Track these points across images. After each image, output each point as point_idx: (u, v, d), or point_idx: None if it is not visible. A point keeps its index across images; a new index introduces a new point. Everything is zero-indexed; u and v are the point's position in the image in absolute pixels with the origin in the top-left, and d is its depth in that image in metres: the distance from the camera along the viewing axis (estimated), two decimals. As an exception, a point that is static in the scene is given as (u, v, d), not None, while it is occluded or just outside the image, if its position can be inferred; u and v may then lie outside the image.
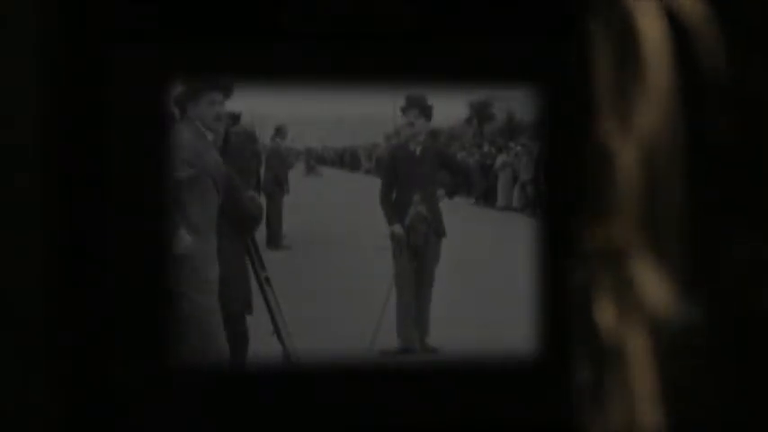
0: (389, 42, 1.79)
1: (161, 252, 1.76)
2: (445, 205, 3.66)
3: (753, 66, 0.61)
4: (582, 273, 0.68)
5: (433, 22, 1.77)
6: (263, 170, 4.88)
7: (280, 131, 5.34)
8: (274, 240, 5.40)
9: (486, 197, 3.82)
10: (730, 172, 0.62)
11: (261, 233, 4.45)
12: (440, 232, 3.50)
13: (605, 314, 0.65)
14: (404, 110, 3.38)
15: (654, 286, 0.62)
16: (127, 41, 1.68)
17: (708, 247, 0.62)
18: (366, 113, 3.38)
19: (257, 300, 3.15)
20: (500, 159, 3.63)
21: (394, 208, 3.48)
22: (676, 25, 0.62)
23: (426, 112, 3.30)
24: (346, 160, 4.86)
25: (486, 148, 3.64)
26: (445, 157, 3.51)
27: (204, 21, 1.71)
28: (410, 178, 3.45)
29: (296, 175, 4.30)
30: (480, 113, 3.25)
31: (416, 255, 3.43)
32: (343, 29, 1.76)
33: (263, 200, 3.85)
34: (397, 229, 3.43)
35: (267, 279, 3.19)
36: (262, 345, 3.14)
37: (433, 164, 3.46)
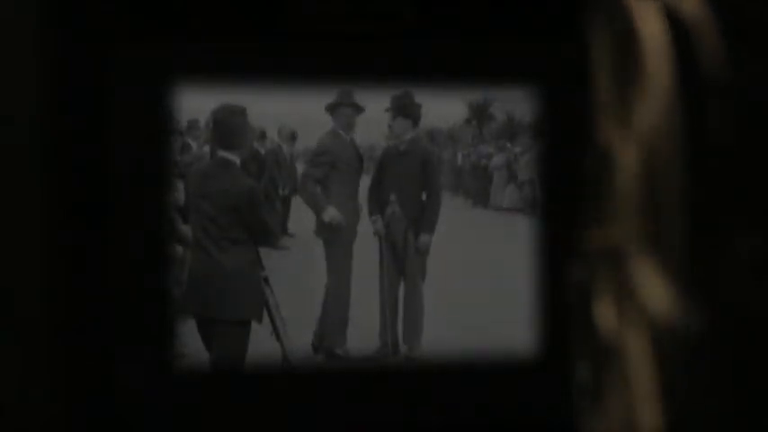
0: (389, 42, 1.79)
1: (161, 252, 1.76)
2: (443, 205, 3.66)
3: (753, 65, 0.62)
4: (582, 273, 0.68)
5: (433, 21, 1.77)
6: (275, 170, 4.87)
7: (280, 132, 5.33)
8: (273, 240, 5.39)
9: (481, 197, 3.82)
10: (730, 172, 0.62)
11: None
12: (419, 234, 3.49)
13: (605, 314, 0.65)
14: (388, 111, 3.39)
15: (654, 286, 0.62)
16: (127, 41, 1.68)
17: (708, 247, 0.62)
18: (366, 113, 3.38)
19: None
20: (494, 159, 3.63)
21: (376, 206, 3.48)
22: (676, 25, 0.62)
23: (407, 113, 3.29)
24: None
25: (484, 149, 3.64)
26: (425, 158, 3.51)
27: (204, 21, 1.71)
28: (390, 178, 3.46)
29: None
30: (480, 114, 3.25)
31: (396, 253, 3.43)
32: (344, 28, 1.77)
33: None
34: (377, 223, 3.44)
35: (266, 279, 3.18)
36: (261, 345, 3.13)
37: (416, 165, 3.46)
